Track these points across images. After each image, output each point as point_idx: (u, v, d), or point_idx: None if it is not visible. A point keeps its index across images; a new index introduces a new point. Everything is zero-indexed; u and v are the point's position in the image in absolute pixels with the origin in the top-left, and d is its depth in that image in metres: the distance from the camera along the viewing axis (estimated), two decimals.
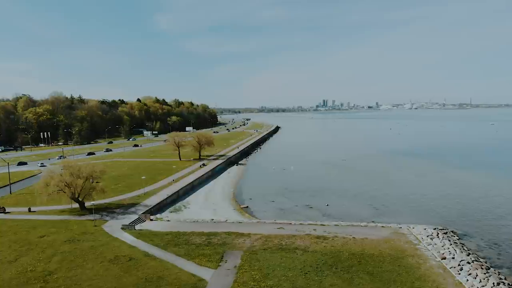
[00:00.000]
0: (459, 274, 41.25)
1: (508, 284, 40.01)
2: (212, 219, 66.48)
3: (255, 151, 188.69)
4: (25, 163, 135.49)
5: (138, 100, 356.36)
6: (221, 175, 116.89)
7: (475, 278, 40.20)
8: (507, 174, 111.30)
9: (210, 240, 52.94)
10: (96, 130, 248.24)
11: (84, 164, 74.82)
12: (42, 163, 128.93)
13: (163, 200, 77.42)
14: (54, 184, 65.39)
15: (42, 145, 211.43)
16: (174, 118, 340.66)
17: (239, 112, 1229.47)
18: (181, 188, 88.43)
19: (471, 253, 49.13)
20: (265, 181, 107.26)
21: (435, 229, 57.44)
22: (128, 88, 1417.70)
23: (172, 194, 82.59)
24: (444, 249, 48.50)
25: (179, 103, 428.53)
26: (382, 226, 59.53)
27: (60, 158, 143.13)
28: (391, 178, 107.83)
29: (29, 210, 70.03)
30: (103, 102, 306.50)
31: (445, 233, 56.13)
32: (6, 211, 70.02)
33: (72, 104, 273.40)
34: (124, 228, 58.68)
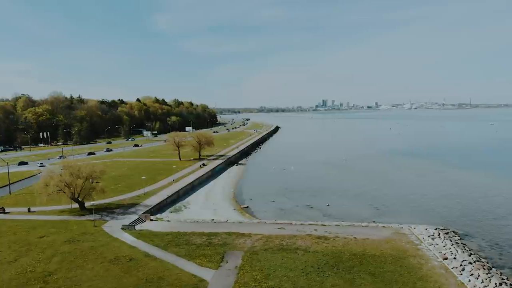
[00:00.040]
0: (461, 274, 41.09)
1: (511, 284, 39.92)
2: (213, 219, 66.28)
3: (255, 151, 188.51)
4: (26, 163, 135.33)
5: (138, 100, 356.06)
6: (221, 175, 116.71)
7: (477, 278, 40.05)
8: (506, 174, 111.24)
9: (210, 241, 52.74)
10: (95, 130, 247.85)
11: (84, 164, 74.58)
12: (42, 163, 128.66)
13: (163, 200, 77.20)
14: (54, 184, 65.19)
15: (41, 145, 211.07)
16: (173, 118, 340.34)
17: (239, 112, 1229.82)
18: (181, 188, 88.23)
19: (472, 253, 48.97)
20: (265, 181, 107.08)
21: (436, 229, 57.27)
22: (127, 88, 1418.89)
23: (172, 194, 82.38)
24: (446, 249, 48.34)
25: (178, 103, 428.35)
26: (383, 226, 59.37)
27: (61, 158, 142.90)
28: (391, 178, 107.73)
29: (29, 210, 69.76)
30: (102, 102, 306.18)
31: (446, 233, 55.96)
32: (6, 211, 69.75)
33: (71, 104, 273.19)
34: (124, 228, 58.44)
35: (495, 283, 38.76)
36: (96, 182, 71.92)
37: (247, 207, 78.87)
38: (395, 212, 73.07)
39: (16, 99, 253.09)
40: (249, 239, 53.13)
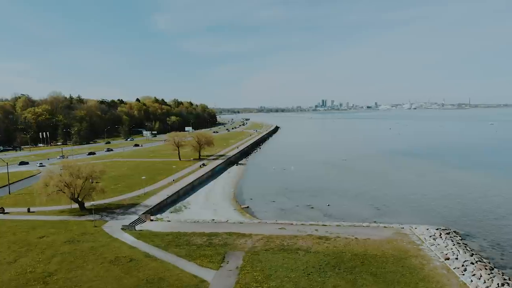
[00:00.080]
0: (463, 274, 40.92)
1: None
2: (213, 220, 66.06)
3: (255, 151, 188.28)
4: (26, 163, 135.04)
5: (137, 100, 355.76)
6: (221, 175, 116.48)
7: (479, 278, 39.88)
8: (506, 174, 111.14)
9: (211, 241, 52.53)
10: (95, 130, 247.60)
11: (84, 164, 74.28)
12: (41, 163, 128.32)
13: (163, 200, 76.96)
14: (54, 184, 64.92)
15: (41, 145, 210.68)
16: (173, 118, 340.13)
17: (238, 112, 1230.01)
18: (181, 188, 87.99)
19: (474, 253, 48.83)
20: (265, 181, 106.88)
21: (437, 229, 57.08)
22: (126, 88, 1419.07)
23: (172, 194, 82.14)
24: (447, 249, 48.17)
25: (178, 103, 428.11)
26: (384, 227, 59.18)
27: (61, 158, 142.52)
28: (391, 178, 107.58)
29: (28, 210, 69.46)
30: (102, 102, 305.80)
31: (448, 234, 55.78)
32: (5, 211, 69.45)
33: (71, 104, 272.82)
34: (124, 228, 58.19)
35: (497, 284, 38.60)
36: (96, 182, 71.65)
37: (248, 207, 78.67)
38: (395, 212, 72.91)
39: (16, 99, 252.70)
40: (250, 239, 52.92)
